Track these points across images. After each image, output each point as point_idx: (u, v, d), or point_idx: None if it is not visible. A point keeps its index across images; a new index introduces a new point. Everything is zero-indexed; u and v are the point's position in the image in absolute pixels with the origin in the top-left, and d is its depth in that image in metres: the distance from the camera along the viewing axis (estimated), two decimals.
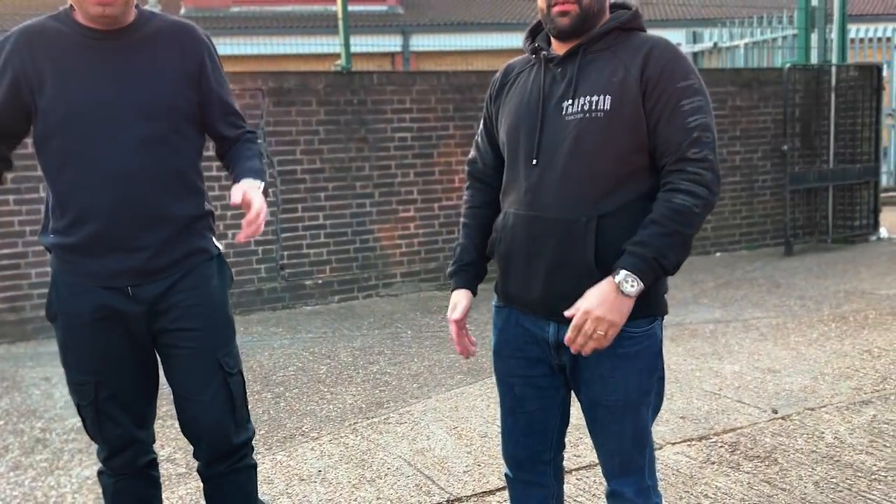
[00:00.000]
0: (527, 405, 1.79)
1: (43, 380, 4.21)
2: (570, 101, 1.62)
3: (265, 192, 1.87)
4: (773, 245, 7.56)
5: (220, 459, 2.00)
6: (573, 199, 1.60)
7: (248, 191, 1.81)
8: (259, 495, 2.18)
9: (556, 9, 1.63)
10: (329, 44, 13.88)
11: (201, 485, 2.09)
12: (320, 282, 5.94)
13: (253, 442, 2.07)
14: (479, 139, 1.88)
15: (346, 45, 5.98)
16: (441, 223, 6.24)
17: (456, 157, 6.20)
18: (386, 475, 2.88)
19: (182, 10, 15.28)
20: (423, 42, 15.19)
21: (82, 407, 1.95)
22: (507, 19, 16.68)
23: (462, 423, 3.36)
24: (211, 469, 2.02)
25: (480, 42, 16.02)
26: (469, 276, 1.86)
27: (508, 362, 1.80)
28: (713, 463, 2.89)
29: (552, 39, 1.71)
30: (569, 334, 1.56)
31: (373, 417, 3.48)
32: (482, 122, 1.87)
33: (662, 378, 1.74)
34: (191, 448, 2.05)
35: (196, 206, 1.95)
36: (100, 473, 2.05)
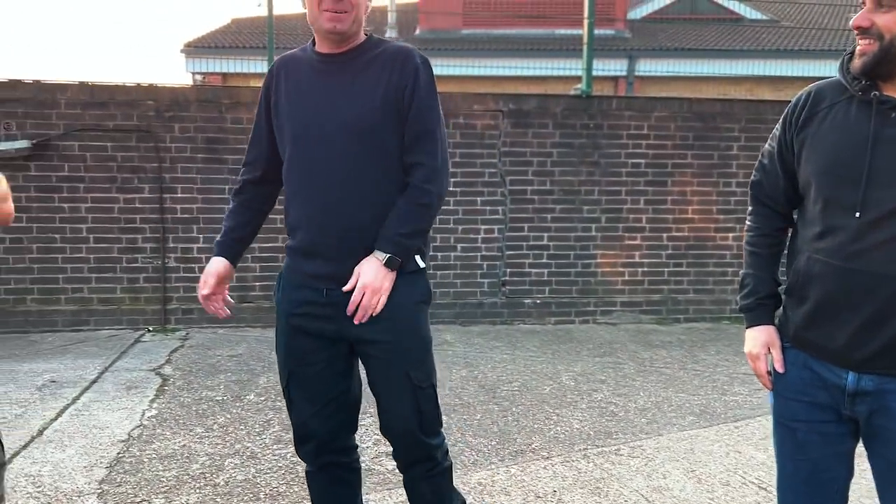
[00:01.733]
0: (811, 451, 1.68)
1: None
2: None
3: (402, 257, 1.94)
4: None
5: (413, 464, 2.08)
6: None
7: (363, 273, 1.91)
8: (464, 496, 2.24)
9: (857, 49, 1.53)
10: (546, 67, 14.01)
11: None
12: (539, 301, 5.97)
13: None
14: (768, 162, 1.76)
15: (589, 69, 5.99)
16: (669, 254, 6.02)
17: (692, 187, 5.97)
18: None
19: (417, 32, 16.17)
20: (648, 67, 14.87)
21: (283, 390, 2.12)
22: (740, 46, 15.86)
23: (700, 468, 3.20)
24: (406, 472, 2.11)
25: (708, 69, 15.36)
26: (770, 310, 1.76)
27: (791, 405, 1.70)
28: None
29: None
30: None
31: (602, 446, 3.42)
32: (776, 145, 1.73)
33: None
34: None
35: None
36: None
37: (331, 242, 1.97)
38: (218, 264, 2.17)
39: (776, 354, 1.72)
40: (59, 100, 5.31)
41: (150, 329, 5.50)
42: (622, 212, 5.97)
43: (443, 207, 6.03)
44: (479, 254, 5.89)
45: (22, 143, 5.14)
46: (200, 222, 5.55)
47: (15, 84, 5.29)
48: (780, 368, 1.72)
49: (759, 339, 1.74)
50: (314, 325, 2.01)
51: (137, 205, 5.48)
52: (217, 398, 4.02)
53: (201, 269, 5.74)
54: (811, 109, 1.64)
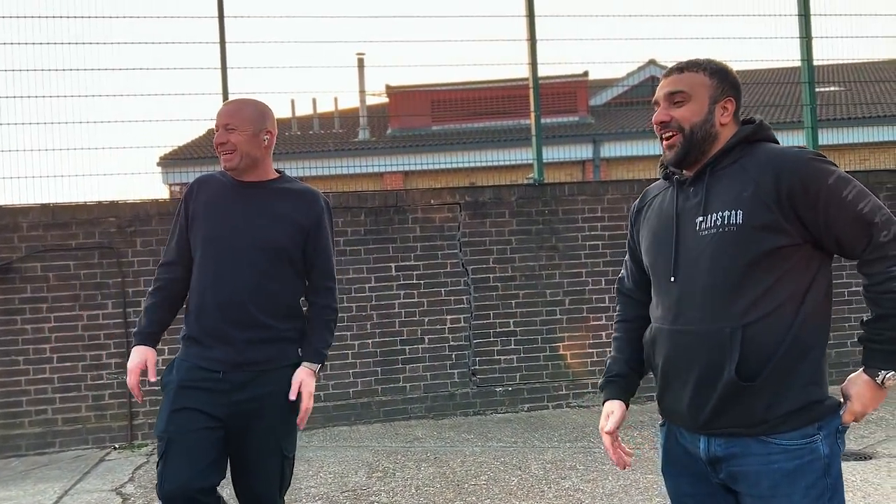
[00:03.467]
0: None
1: None
2: (703, 218, 1.67)
3: (321, 365, 2.52)
4: None
5: None
6: (715, 312, 1.62)
7: (304, 384, 2.43)
8: None
9: (664, 143, 1.75)
10: (521, 155, 14.44)
11: None
12: (510, 389, 5.94)
13: None
14: (626, 259, 1.99)
15: (539, 158, 6.18)
16: None
17: None
18: None
19: (388, 132, 16.66)
20: (614, 150, 15.31)
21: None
22: None
23: None
24: None
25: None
26: (619, 387, 1.91)
27: (677, 481, 1.79)
28: None
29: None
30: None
31: None
32: (627, 243, 1.98)
33: None
34: None
35: (290, 326, 2.50)
36: None
37: (232, 332, 2.42)
38: (153, 354, 2.51)
39: (604, 426, 1.87)
40: (21, 223, 5.41)
41: (117, 447, 5.41)
42: (585, 293, 6.04)
43: (408, 300, 6.05)
44: (447, 344, 5.90)
45: None
46: (165, 334, 5.54)
47: None
48: (605, 442, 1.87)
49: (605, 411, 1.88)
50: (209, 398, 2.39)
51: (101, 321, 5.49)
52: None
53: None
54: (640, 205, 1.93)
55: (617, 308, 2.04)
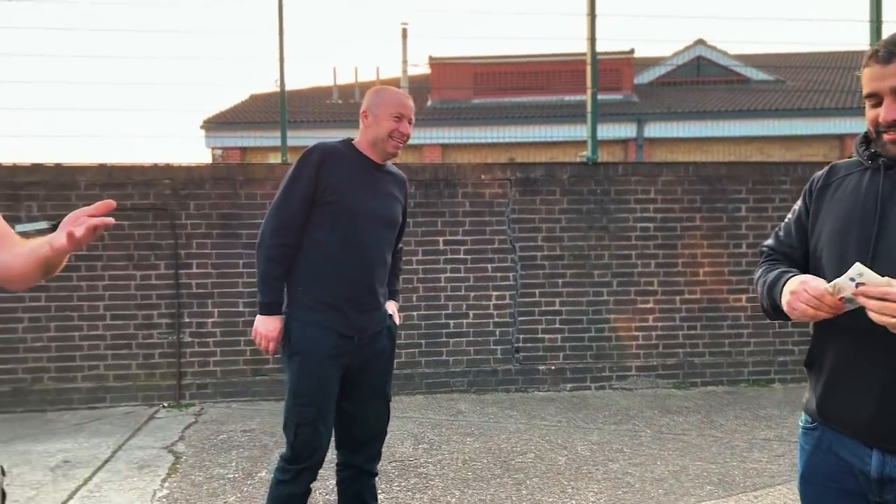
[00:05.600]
0: None
1: None
2: None
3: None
4: None
5: (377, 458, 2.93)
6: None
7: (395, 313, 2.86)
8: None
9: (887, 136, 1.53)
10: (563, 132, 14.23)
11: None
12: (553, 368, 5.93)
13: None
14: (783, 234, 1.76)
15: (594, 136, 6.09)
16: (682, 317, 5.99)
17: (702, 249, 5.98)
18: None
19: (429, 103, 16.55)
20: (657, 130, 15.07)
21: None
22: (747, 106, 16.06)
23: None
24: (374, 471, 2.90)
25: (716, 130, 15.53)
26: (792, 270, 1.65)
27: (820, 492, 1.63)
28: None
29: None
30: None
31: None
32: (794, 216, 1.75)
33: None
34: None
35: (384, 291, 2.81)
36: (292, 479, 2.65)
37: (365, 299, 2.68)
38: (282, 323, 2.65)
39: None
40: (79, 181, 5.48)
41: (165, 405, 5.52)
42: (633, 276, 5.98)
43: (454, 274, 6.02)
44: (491, 320, 5.90)
45: (42, 224, 5.24)
46: (215, 297, 5.62)
47: (36, 168, 5.47)
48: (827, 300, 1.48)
49: (795, 279, 1.57)
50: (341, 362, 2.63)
51: (153, 281, 5.57)
52: (229, 476, 4.00)
53: (216, 344, 5.78)
54: (826, 180, 1.70)
55: (761, 266, 1.76)
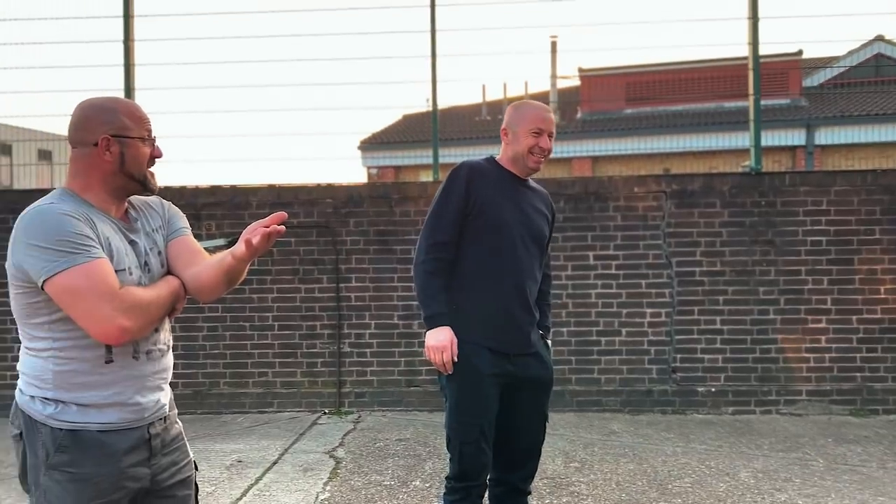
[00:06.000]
0: None
1: None
2: None
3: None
4: None
5: (531, 478, 2.89)
6: None
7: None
8: None
9: None
10: (721, 141, 13.56)
11: None
12: (713, 389, 5.63)
13: None
14: None
15: (757, 145, 5.76)
16: (860, 338, 5.50)
17: (882, 265, 5.47)
18: None
19: (579, 115, 16.39)
20: (829, 136, 13.99)
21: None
22: None
23: None
24: (526, 489, 2.85)
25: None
26: None
27: None
28: None
29: None
30: None
31: None
32: None
33: None
34: None
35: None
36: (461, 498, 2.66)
37: (522, 316, 2.72)
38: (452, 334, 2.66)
39: None
40: (251, 201, 5.93)
41: (326, 412, 5.81)
42: (803, 293, 5.57)
43: (606, 290, 5.91)
44: (645, 338, 5.71)
45: (219, 242, 5.76)
46: (372, 309, 5.86)
47: (214, 190, 5.99)
48: None
49: None
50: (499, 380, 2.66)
51: (316, 293, 5.90)
52: (385, 483, 4.14)
53: (372, 354, 6.00)
54: None
55: None
